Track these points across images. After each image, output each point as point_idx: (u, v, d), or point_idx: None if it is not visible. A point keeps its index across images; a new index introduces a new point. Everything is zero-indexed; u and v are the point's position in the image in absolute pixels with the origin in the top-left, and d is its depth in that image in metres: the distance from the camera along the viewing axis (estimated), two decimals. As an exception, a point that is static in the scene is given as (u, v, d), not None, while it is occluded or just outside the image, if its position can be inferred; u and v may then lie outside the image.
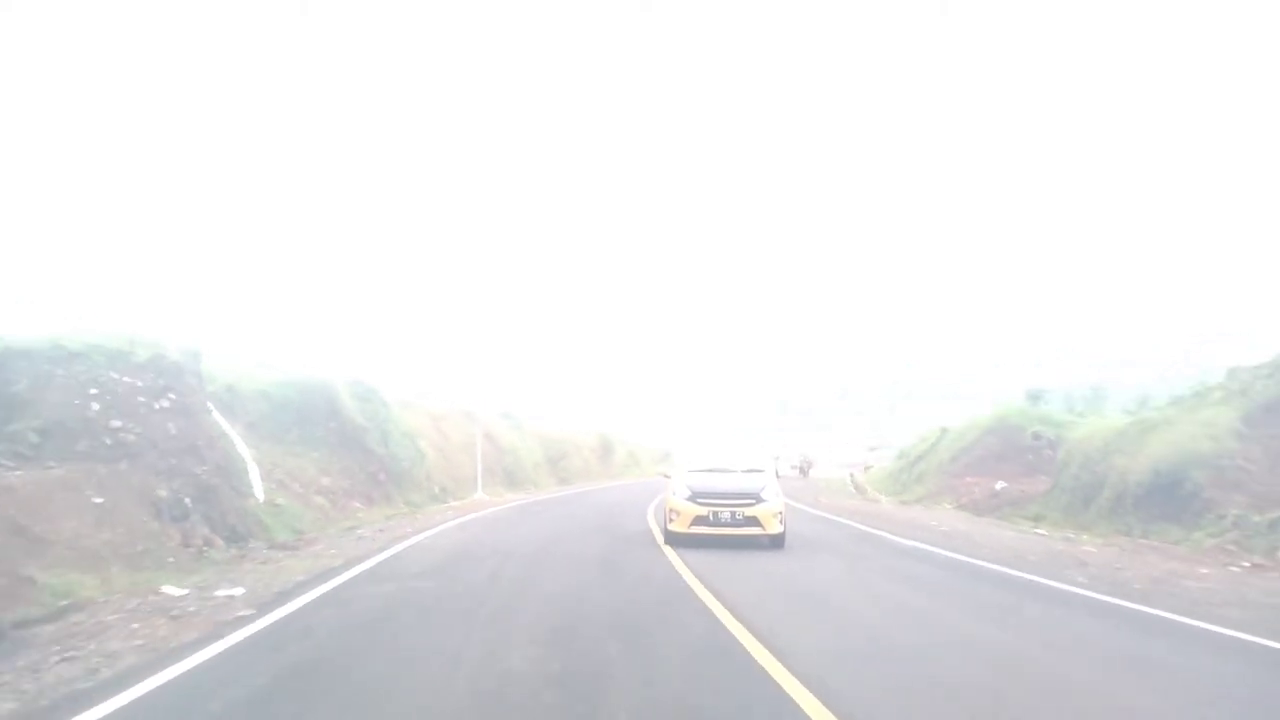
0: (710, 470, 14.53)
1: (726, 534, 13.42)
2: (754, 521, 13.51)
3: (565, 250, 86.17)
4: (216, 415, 15.79)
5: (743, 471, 14.46)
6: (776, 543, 13.73)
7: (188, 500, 13.11)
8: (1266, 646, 7.31)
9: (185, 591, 9.32)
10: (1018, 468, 26.08)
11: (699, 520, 13.54)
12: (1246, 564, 13.11)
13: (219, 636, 7.02)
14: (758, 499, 13.68)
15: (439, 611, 8.34)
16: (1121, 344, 38.91)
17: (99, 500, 11.67)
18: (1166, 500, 16.56)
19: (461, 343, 42.31)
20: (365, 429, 22.90)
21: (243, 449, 15.91)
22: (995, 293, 55.64)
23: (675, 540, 13.66)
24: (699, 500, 13.68)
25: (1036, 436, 27.52)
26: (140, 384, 14.09)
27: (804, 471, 48.40)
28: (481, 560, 11.98)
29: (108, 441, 12.94)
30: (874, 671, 6.26)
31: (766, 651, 6.49)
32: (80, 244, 31.09)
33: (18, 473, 11.49)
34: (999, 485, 24.67)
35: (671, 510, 14.01)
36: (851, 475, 43.68)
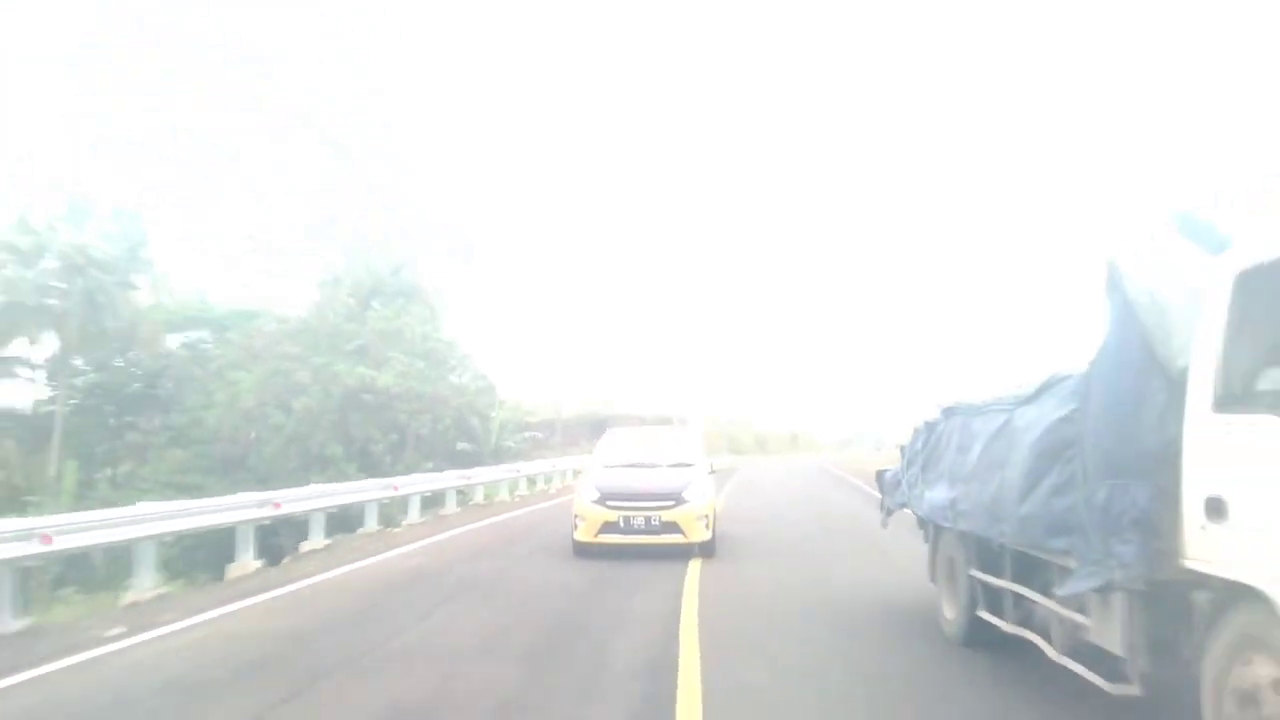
0: (629, 466, 12.86)
1: (641, 543, 11.78)
2: (674, 527, 11.78)
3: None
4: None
5: (668, 467, 12.78)
6: (706, 550, 12.03)
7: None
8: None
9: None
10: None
11: (608, 527, 11.88)
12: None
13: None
14: (679, 500, 11.95)
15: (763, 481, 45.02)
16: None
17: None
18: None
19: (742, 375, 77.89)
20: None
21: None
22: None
23: (584, 551, 11.99)
24: (608, 503, 11.96)
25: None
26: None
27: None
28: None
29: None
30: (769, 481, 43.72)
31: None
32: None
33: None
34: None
35: (576, 515, 12.24)
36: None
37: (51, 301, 32.08)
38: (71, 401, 31.72)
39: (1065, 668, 5.58)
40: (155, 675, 6.77)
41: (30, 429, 32.92)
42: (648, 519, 11.83)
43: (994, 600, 6.85)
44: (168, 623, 8.62)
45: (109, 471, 30.11)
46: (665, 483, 12.24)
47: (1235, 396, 4.14)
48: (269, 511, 13.02)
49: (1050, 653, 5.86)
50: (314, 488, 15.58)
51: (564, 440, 48.85)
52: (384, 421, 29.75)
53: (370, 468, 27.24)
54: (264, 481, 22.08)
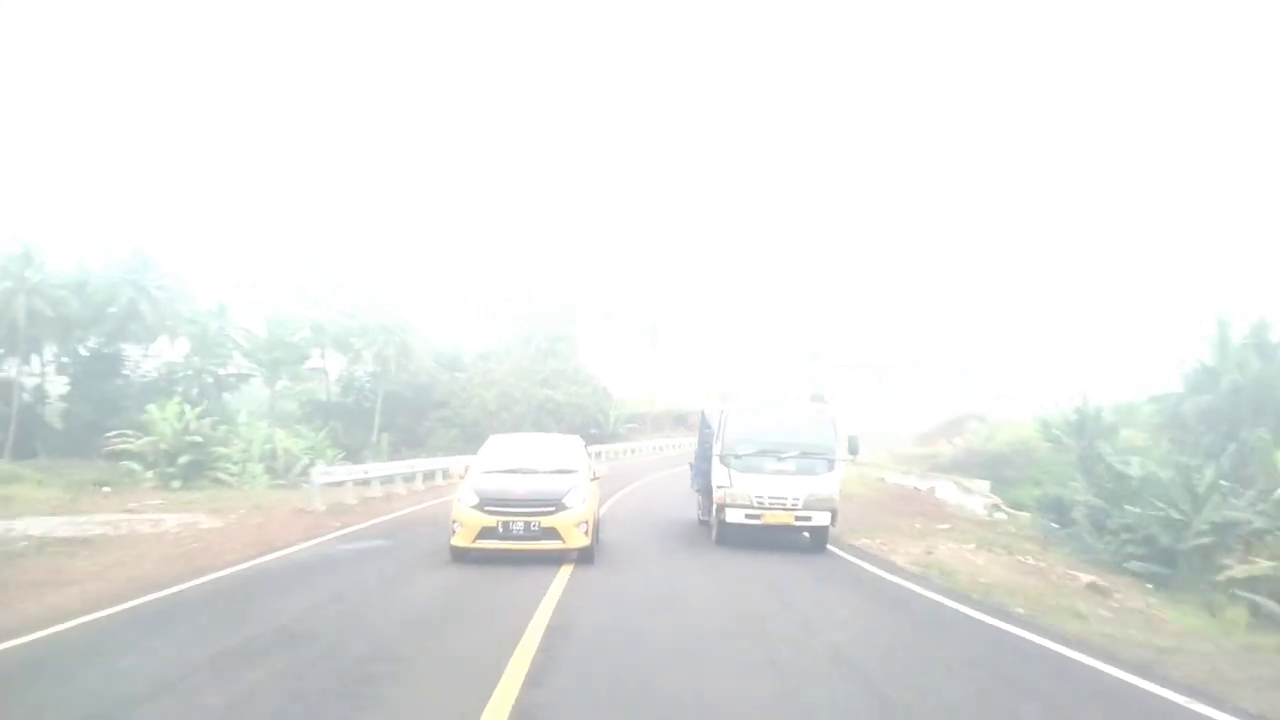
0: (509, 471, 12.90)
1: (521, 549, 11.96)
2: (552, 533, 11.93)
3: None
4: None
5: (549, 473, 12.87)
6: (585, 557, 12.22)
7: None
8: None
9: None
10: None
11: (486, 533, 11.94)
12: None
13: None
14: (559, 506, 12.04)
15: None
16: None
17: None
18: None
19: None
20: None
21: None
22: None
23: (461, 556, 12.07)
24: (488, 508, 12.00)
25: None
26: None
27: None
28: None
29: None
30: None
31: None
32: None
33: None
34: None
35: (454, 520, 12.24)
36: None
37: (353, 339, 59.61)
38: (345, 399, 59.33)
39: (707, 521, 17.63)
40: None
41: (351, 414, 60.50)
42: (527, 524, 11.85)
43: (703, 507, 18.48)
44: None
45: (406, 438, 56.87)
46: (546, 488, 12.28)
47: (715, 446, 16.63)
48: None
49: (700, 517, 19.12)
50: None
51: (653, 428, 73.79)
52: (557, 419, 55.77)
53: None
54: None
